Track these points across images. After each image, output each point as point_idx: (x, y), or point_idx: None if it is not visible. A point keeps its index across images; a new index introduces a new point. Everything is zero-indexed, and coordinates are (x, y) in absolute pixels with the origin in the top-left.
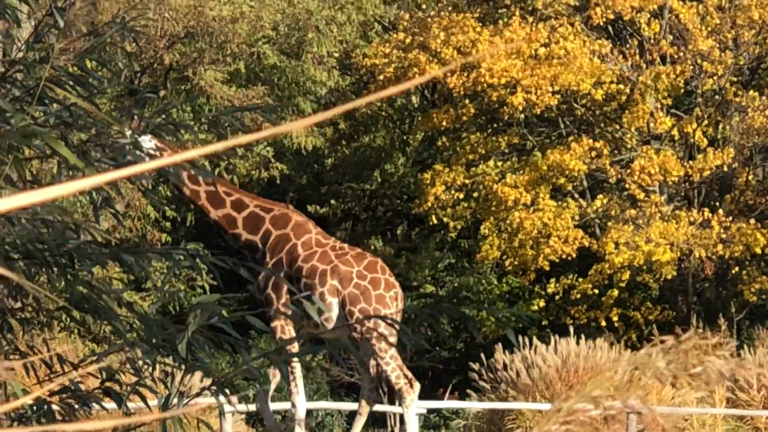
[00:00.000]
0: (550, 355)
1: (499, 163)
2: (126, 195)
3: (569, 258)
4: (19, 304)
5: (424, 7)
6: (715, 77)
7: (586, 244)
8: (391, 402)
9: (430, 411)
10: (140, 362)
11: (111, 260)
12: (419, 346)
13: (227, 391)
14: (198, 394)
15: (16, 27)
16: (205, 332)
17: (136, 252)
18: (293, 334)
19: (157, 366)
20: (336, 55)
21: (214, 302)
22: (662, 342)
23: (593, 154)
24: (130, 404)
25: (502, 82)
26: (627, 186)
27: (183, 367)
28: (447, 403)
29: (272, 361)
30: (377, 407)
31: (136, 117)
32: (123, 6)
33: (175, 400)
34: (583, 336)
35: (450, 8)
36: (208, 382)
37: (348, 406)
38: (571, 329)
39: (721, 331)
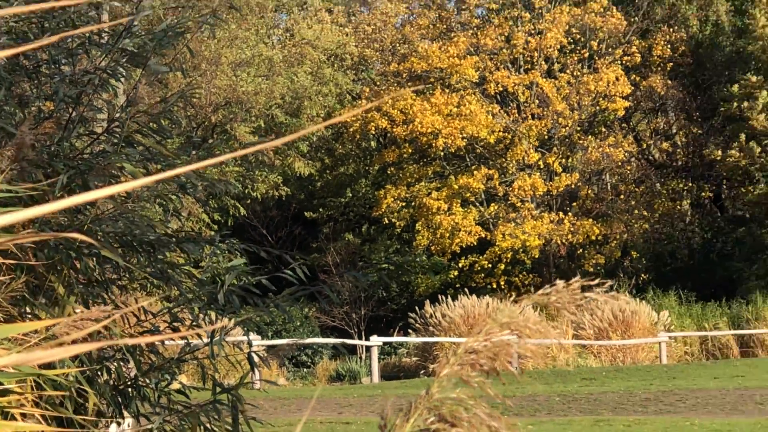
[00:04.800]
0: (459, 307)
1: (428, 184)
2: (187, 206)
3: (472, 244)
4: (116, 276)
5: (378, 83)
6: (566, 127)
7: (483, 236)
8: (360, 338)
9: (385, 344)
10: (196, 310)
11: (178, 247)
12: (370, 290)
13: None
14: (233, 328)
15: (115, 97)
16: (237, 291)
17: (193, 241)
18: None
19: (208, 316)
20: (322, 114)
21: (241, 265)
22: (555, 285)
23: (488, 178)
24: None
25: (429, 131)
26: (510, 198)
27: (222, 311)
28: (395, 339)
29: (278, 306)
30: (351, 341)
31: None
32: (184, 84)
33: (218, 335)
34: (482, 295)
35: (395, 84)
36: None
37: (332, 340)
38: (468, 291)
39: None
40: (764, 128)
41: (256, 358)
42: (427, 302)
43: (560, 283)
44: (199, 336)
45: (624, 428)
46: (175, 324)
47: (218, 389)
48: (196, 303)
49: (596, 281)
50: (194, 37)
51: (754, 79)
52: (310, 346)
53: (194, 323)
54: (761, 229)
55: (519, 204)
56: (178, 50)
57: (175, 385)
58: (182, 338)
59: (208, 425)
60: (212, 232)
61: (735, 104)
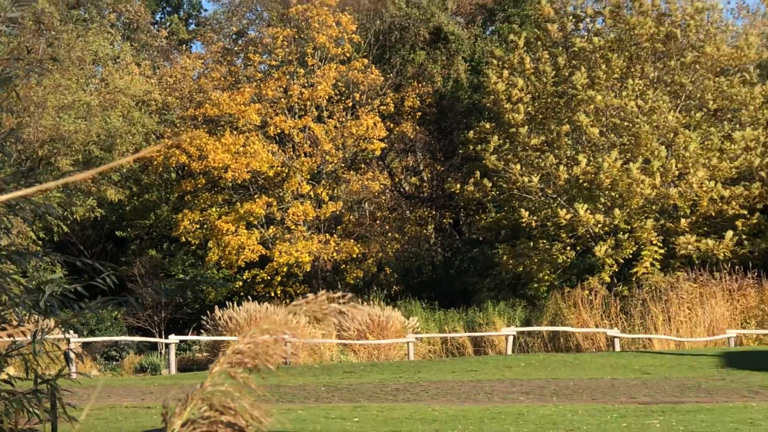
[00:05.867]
0: (243, 311)
1: (218, 209)
2: (17, 225)
3: (254, 260)
4: None
5: (178, 125)
6: (333, 164)
7: (264, 253)
8: (160, 336)
9: (181, 341)
10: (22, 313)
11: (8, 259)
12: (169, 297)
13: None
14: (53, 328)
15: None
16: (57, 297)
17: (22, 255)
18: None
19: (32, 318)
20: (131, 150)
21: (60, 278)
22: (306, 297)
23: (268, 205)
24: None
25: (220, 166)
26: (286, 222)
27: (44, 314)
28: (190, 337)
29: (91, 310)
30: (152, 339)
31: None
32: (14, 123)
33: (39, 334)
34: (262, 302)
35: (192, 126)
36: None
37: (138, 339)
38: (251, 298)
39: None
40: (495, 167)
41: (72, 354)
42: (217, 307)
43: (311, 296)
44: (24, 334)
45: (378, 413)
46: (3, 324)
47: (39, 380)
48: (22, 307)
49: (348, 296)
50: (23, 84)
51: (487, 126)
52: (118, 343)
53: (20, 323)
54: (491, 250)
55: (293, 227)
56: (9, 94)
57: (3, 376)
58: (9, 336)
59: (30, 409)
60: (38, 248)
61: (471, 147)
